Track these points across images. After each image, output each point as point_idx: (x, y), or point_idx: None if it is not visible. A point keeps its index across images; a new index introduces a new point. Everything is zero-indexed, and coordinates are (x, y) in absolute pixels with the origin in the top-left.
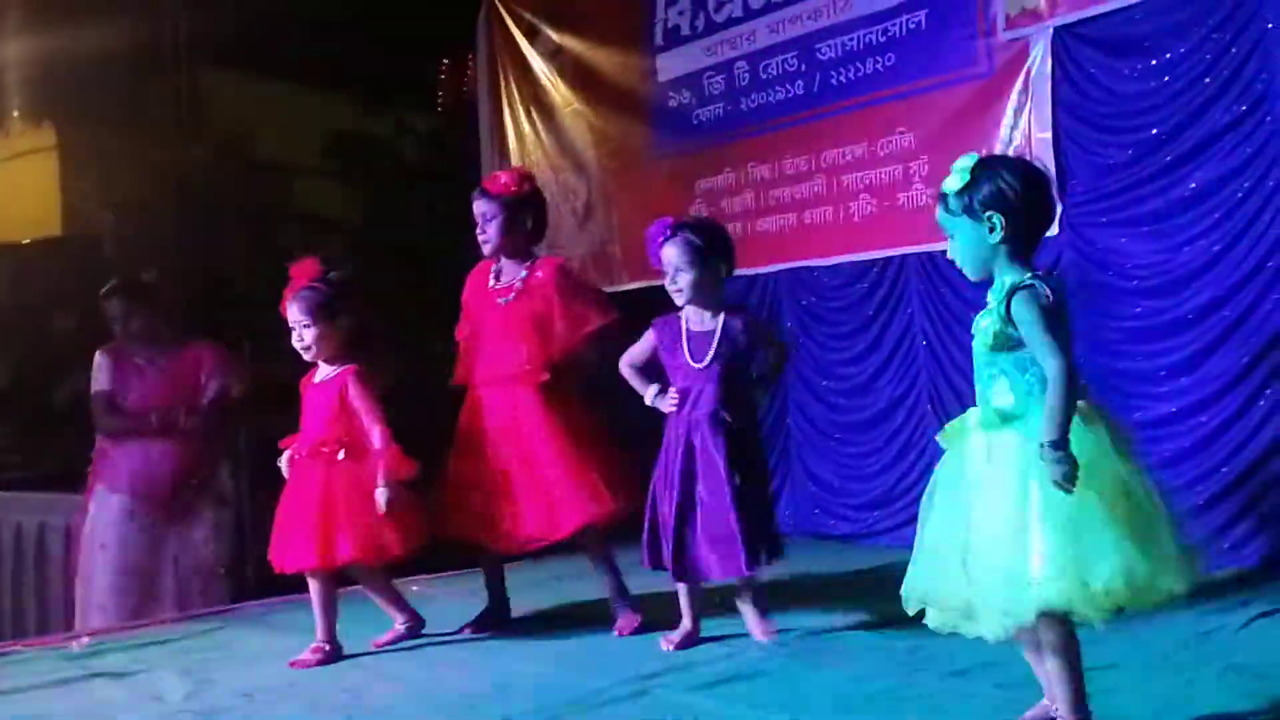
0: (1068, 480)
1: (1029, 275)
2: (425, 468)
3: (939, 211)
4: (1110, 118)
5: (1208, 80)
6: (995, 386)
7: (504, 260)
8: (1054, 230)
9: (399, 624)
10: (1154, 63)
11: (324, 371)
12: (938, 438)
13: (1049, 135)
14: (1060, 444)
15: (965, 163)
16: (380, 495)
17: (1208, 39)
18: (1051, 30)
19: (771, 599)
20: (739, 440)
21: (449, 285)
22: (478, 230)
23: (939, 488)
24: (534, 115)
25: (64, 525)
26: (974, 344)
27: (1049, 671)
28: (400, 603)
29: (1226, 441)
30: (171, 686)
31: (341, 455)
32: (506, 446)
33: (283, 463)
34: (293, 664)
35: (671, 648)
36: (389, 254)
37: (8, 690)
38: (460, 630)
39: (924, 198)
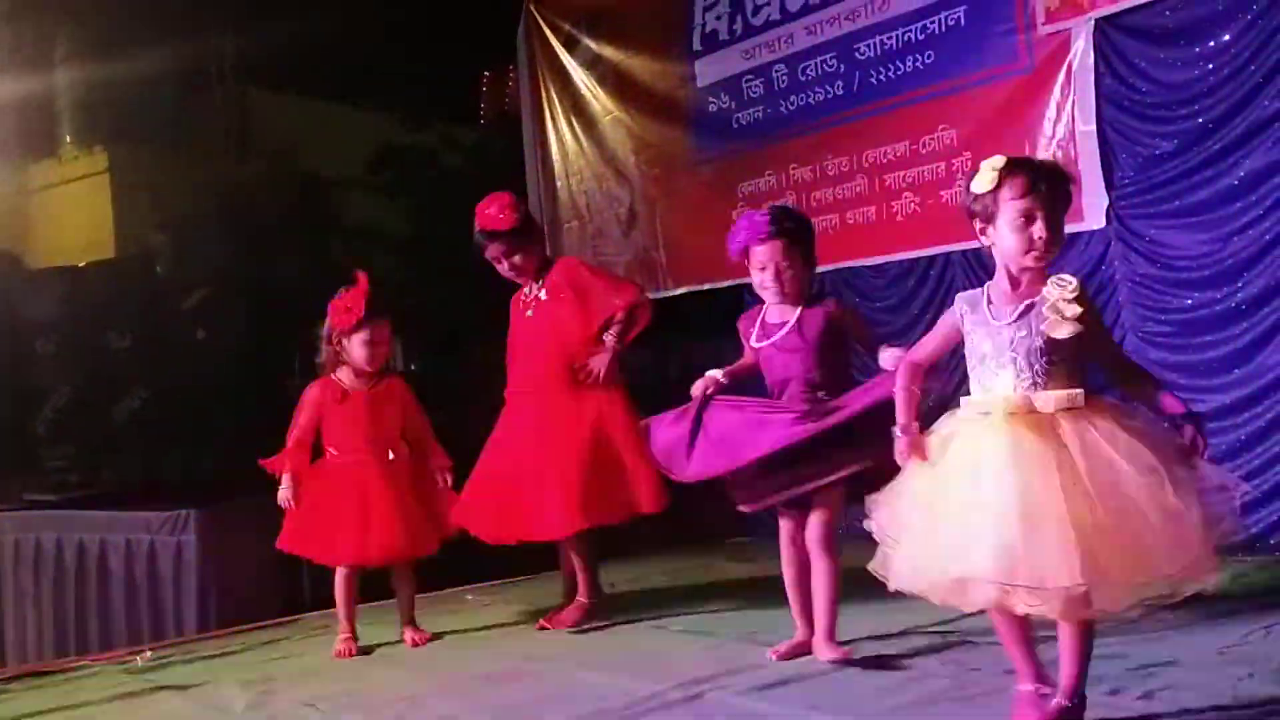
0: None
1: None
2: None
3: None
4: (1155, 108)
5: (1253, 67)
6: (1055, 374)
7: (525, 283)
8: (1101, 222)
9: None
10: (1197, 51)
11: (366, 382)
12: (977, 414)
13: (1093, 128)
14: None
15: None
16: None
17: (1252, 26)
18: (1092, 22)
19: None
20: None
21: (495, 295)
22: (505, 270)
23: (963, 470)
24: (575, 124)
25: (124, 542)
26: (1024, 334)
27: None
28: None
29: None
30: (234, 697)
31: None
32: (523, 452)
33: (283, 483)
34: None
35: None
36: (436, 265)
37: (75, 705)
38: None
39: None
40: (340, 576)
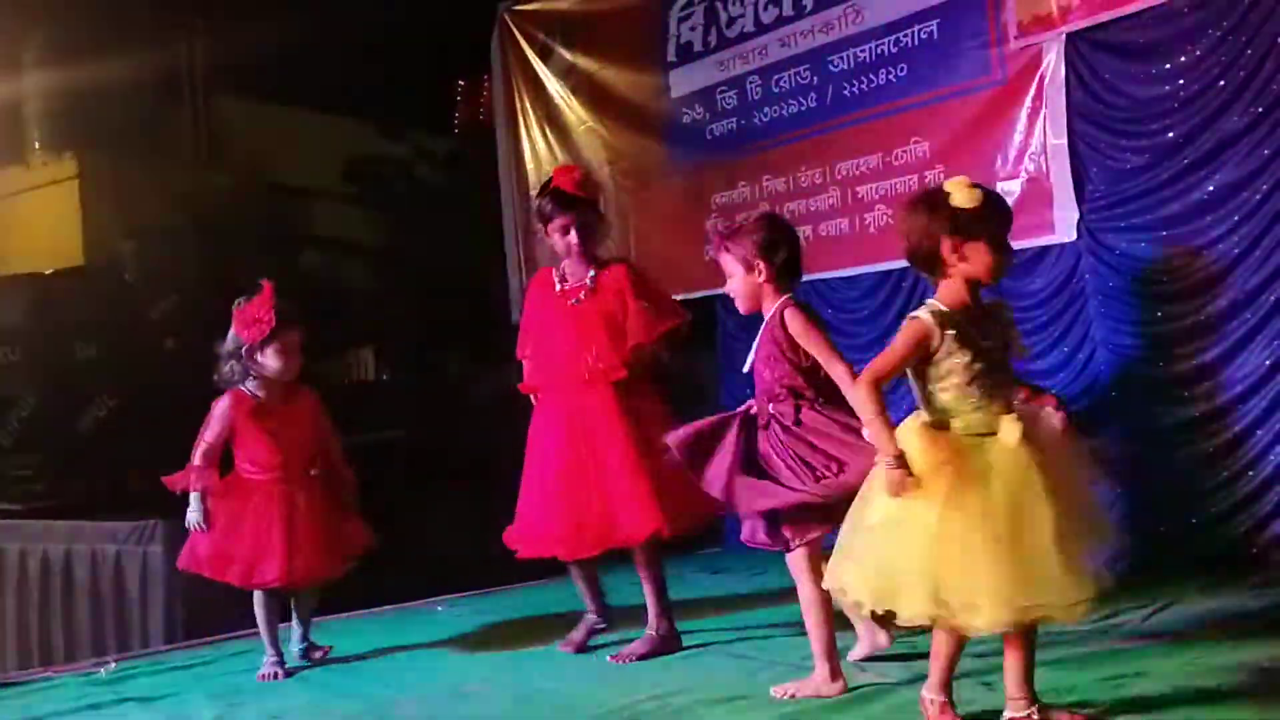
0: None
1: None
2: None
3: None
4: (1126, 122)
5: (1223, 83)
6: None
7: (570, 264)
8: (1072, 236)
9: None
10: (1168, 66)
11: (280, 395)
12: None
13: (1064, 141)
14: None
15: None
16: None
17: (1222, 42)
18: (1064, 37)
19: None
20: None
21: (467, 304)
22: (557, 235)
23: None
24: (549, 134)
25: (90, 552)
26: (999, 353)
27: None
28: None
29: (1253, 445)
30: (200, 709)
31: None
32: (578, 451)
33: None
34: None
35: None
36: (408, 275)
37: (38, 717)
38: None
39: None
40: (261, 598)
